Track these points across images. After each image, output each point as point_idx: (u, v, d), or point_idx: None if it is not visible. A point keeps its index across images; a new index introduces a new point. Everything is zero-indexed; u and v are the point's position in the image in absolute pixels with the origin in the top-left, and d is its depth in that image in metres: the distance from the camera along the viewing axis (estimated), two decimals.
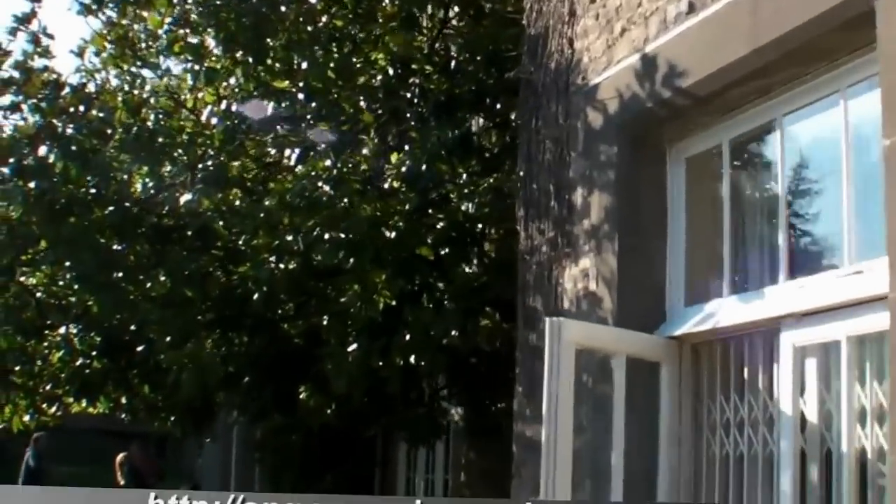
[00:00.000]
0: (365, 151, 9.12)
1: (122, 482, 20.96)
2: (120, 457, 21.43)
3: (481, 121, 10.11)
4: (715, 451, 6.22)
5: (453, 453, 15.75)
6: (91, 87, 9.78)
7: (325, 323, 10.90)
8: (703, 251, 6.64)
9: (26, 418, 14.88)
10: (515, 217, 7.76)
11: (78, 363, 12.37)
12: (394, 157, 8.74)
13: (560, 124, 7.24)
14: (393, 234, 8.82)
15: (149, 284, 9.37)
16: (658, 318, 6.58)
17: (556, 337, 5.82)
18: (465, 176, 9.43)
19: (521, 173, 7.58)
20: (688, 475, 6.39)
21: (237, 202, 9.41)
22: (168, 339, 8.93)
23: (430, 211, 9.20)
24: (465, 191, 9.03)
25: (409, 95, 9.94)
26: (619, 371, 6.19)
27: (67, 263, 8.84)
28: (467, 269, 9.11)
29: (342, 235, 8.26)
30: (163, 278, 9.26)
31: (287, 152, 9.77)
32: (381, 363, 9.76)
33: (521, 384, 7.39)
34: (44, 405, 15.02)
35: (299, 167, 8.84)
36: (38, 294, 11.24)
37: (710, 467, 6.25)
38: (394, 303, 8.92)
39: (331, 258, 8.22)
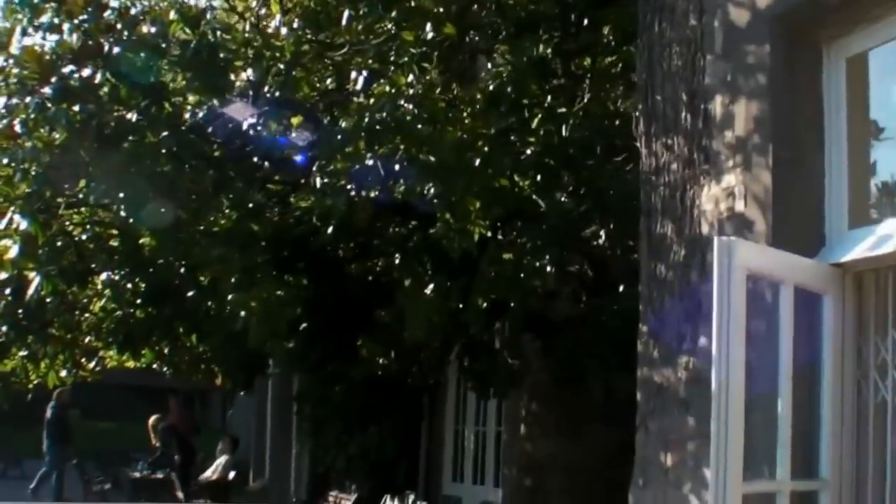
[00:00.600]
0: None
1: (157, 444, 20.10)
2: (153, 419, 20.58)
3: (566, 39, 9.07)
4: (869, 397, 5.27)
5: (511, 404, 14.86)
6: (136, 9, 8.78)
7: (397, 261, 10.01)
8: (868, 165, 5.66)
9: (63, 373, 14.05)
10: (634, 133, 6.78)
11: (121, 312, 11.49)
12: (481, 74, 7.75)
13: (691, 24, 6.23)
14: (478, 162, 7.83)
15: (210, 218, 8.40)
16: (817, 242, 5.61)
17: (725, 260, 4.85)
18: (552, 98, 8.44)
19: (642, 83, 6.57)
20: (850, 425, 5.47)
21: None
22: (233, 280, 7.99)
23: (517, 135, 8.22)
24: (558, 112, 8.05)
25: (484, 14, 8.91)
26: (786, 303, 5.21)
27: (120, 195, 7.86)
28: (562, 199, 8.13)
29: (431, 158, 7.30)
30: (226, 211, 8.31)
31: (353, 75, 8.75)
32: (460, 305, 8.86)
33: (646, 322, 6.44)
34: (82, 359, 14.20)
35: (375, 86, 7.83)
36: (80, 237, 10.29)
37: (864, 414, 5.33)
38: (489, 234, 7.98)
39: (419, 184, 7.27)
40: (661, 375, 6.20)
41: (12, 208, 7.85)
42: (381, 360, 12.89)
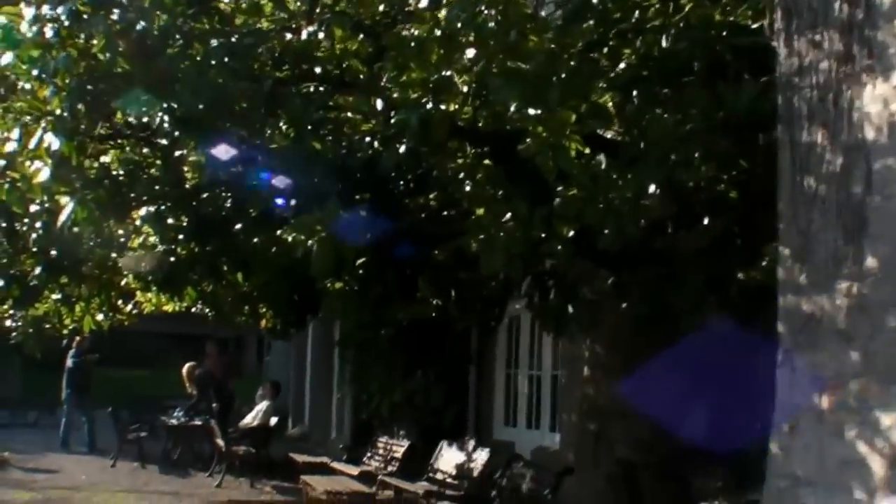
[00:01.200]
0: None
1: (193, 391, 19.29)
2: (188, 366, 19.73)
3: None
4: None
5: (570, 346, 13.97)
6: None
7: (468, 188, 9.07)
8: None
9: (100, 317, 13.21)
10: (767, 33, 5.80)
11: (163, 248, 10.63)
12: None
13: None
14: (564, 76, 6.82)
15: (267, 133, 7.43)
16: None
17: None
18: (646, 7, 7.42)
19: None
20: None
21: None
22: (294, 202, 7.07)
23: (610, 46, 7.22)
24: (655, 23, 7.05)
25: None
26: None
27: (163, 112, 6.90)
28: (665, 115, 7.12)
29: (521, 65, 6.32)
30: (283, 128, 7.36)
31: None
32: (542, 235, 7.89)
33: (789, 244, 5.50)
34: (119, 302, 13.37)
35: None
36: (118, 170, 9.38)
37: None
38: (587, 150, 7.01)
39: (508, 95, 6.29)
40: (811, 304, 5.28)
41: (42, 125, 6.89)
42: (435, 302, 12.07)
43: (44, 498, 14.06)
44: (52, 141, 6.84)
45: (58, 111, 7.02)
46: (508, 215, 7.93)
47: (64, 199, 7.30)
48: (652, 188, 7.45)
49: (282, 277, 10.05)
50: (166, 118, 6.94)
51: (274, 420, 17.40)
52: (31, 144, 6.89)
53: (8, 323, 12.75)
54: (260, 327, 14.74)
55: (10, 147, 6.96)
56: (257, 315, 13.32)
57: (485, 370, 17.10)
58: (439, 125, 6.66)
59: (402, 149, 7.02)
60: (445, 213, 10.60)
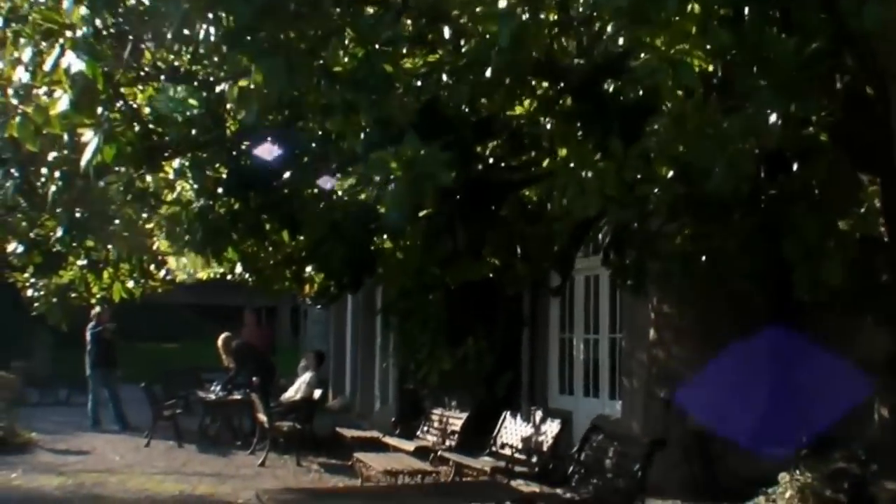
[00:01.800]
0: None
1: (230, 364, 18.00)
2: (223, 337, 18.36)
3: None
4: None
5: (633, 307, 12.74)
6: None
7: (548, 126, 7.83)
8: None
9: (130, 284, 11.92)
10: None
11: (201, 202, 9.36)
12: None
13: None
14: None
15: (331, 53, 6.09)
16: None
17: None
18: None
19: None
20: None
21: None
22: (364, 133, 5.77)
23: None
24: None
25: None
26: None
27: (206, 25, 5.60)
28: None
29: None
30: (351, 46, 6.03)
31: None
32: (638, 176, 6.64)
33: None
34: (151, 267, 12.09)
35: None
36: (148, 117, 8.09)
37: None
38: (710, 68, 5.71)
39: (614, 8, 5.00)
40: None
41: (61, 42, 5.56)
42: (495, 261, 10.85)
43: (75, 483, 12.88)
44: (73, 62, 5.54)
45: (80, 30, 5.71)
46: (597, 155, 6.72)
47: (87, 135, 5.96)
48: (773, 118, 6.18)
49: (336, 234, 8.76)
50: (211, 31, 5.64)
51: (318, 392, 16.19)
52: (47, 66, 5.58)
53: (30, 293, 11.47)
54: (303, 293, 13.44)
55: (22, 72, 5.61)
56: (301, 279, 12.01)
57: (538, 335, 15.93)
58: (534, 40, 5.37)
59: (488, 72, 5.73)
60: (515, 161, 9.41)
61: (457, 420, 13.33)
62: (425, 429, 14.19)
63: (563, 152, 7.38)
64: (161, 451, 15.78)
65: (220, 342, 18.20)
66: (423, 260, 9.36)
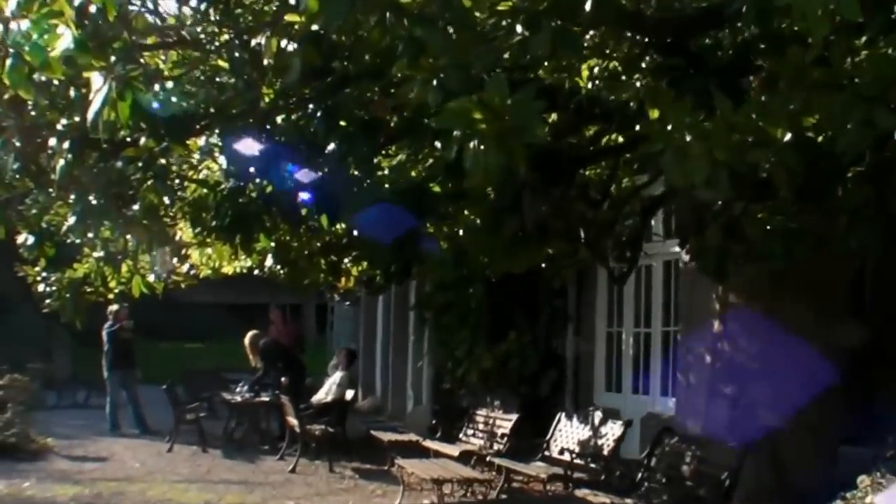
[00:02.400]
0: None
1: (257, 364, 16.79)
2: (251, 335, 17.10)
3: None
4: None
5: (692, 297, 11.62)
6: None
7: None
8: None
9: (151, 278, 10.82)
10: None
11: (229, 185, 8.28)
12: None
13: None
14: None
15: None
16: None
17: None
18: None
19: None
20: None
21: None
22: (435, 81, 4.64)
23: None
24: None
25: None
26: None
27: None
28: None
29: None
30: None
31: None
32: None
33: None
34: (174, 260, 10.98)
35: None
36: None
37: None
38: None
39: None
40: None
41: None
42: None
43: (91, 493, 11.78)
44: None
45: None
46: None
47: (96, 81, 4.79)
48: None
49: (386, 215, 7.65)
50: None
51: (350, 393, 15.07)
52: None
53: (41, 288, 10.34)
54: (339, 287, 12.31)
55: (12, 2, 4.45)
56: (338, 271, 10.94)
57: (583, 330, 14.75)
58: None
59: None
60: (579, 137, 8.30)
61: (505, 422, 12.20)
62: (469, 431, 13.06)
63: (654, 114, 6.23)
64: (184, 457, 14.69)
65: (246, 340, 17.03)
66: (483, 245, 8.20)
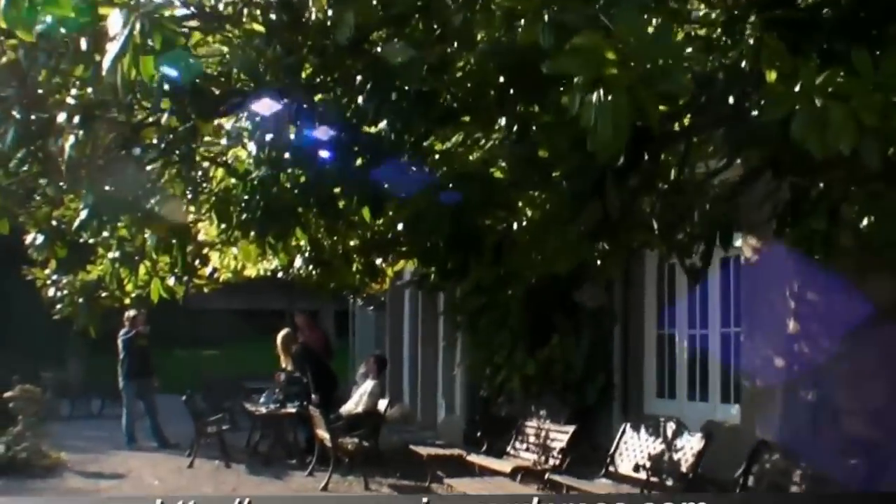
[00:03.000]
0: None
1: (289, 367, 15.53)
2: (284, 335, 15.81)
3: None
4: None
5: (754, 296, 10.54)
6: None
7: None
8: None
9: (171, 281, 9.67)
10: None
11: (260, 173, 7.15)
12: None
13: None
14: None
15: None
16: None
17: None
18: None
19: None
20: None
21: None
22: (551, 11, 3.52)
23: None
24: None
25: None
26: None
27: None
28: None
29: None
30: None
31: None
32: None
33: None
34: (196, 262, 9.84)
35: None
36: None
37: None
38: None
39: None
40: None
41: None
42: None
43: None
44: None
45: None
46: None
47: (114, 22, 3.66)
48: None
49: (440, 205, 6.52)
50: None
51: (383, 403, 13.92)
52: None
53: (51, 292, 9.20)
54: (374, 285, 11.13)
55: None
56: (375, 271, 9.82)
57: (631, 332, 13.51)
58: None
59: None
60: None
61: (560, 434, 11.03)
62: (517, 444, 11.89)
63: (771, 75, 5.10)
64: (206, 473, 13.55)
65: (278, 340, 15.70)
66: (551, 238, 7.04)
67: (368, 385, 13.98)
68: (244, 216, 7.43)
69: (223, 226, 8.36)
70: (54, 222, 8.55)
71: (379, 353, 17.27)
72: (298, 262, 10.17)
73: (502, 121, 6.49)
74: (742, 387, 11.11)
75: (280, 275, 14.01)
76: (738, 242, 9.72)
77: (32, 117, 5.48)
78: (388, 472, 12.94)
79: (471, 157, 7.16)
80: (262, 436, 15.02)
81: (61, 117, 5.49)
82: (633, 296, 13.45)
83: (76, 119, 5.28)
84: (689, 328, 12.48)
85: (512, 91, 5.74)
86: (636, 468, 9.41)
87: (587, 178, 6.28)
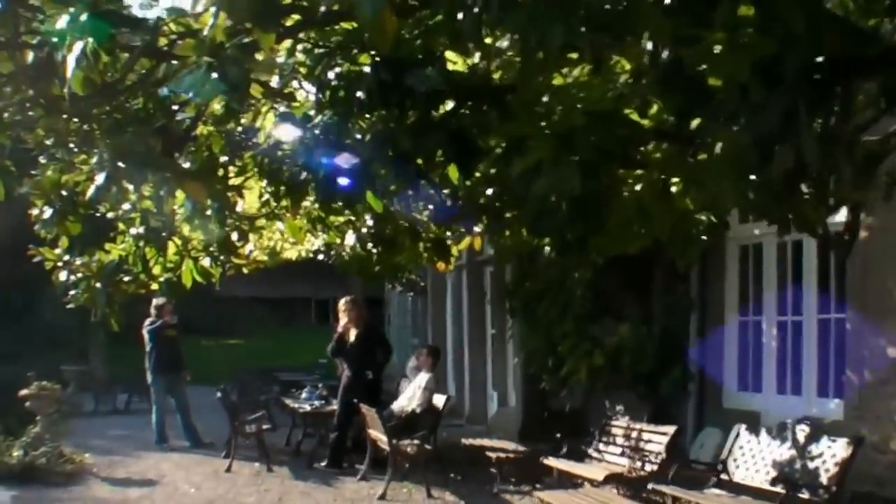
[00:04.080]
0: None
1: (350, 337, 12.79)
2: (350, 298, 13.18)
3: None
4: None
5: (863, 277, 8.83)
6: None
7: None
8: None
9: (206, 262, 7.87)
10: None
11: (324, 118, 5.36)
12: None
13: None
14: None
15: None
16: None
17: None
18: None
19: None
20: None
21: None
22: None
23: None
24: None
25: None
26: None
27: None
28: None
29: None
30: None
31: None
32: None
33: None
34: (237, 238, 8.02)
35: None
36: None
37: None
38: None
39: None
40: None
41: None
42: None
43: None
44: None
45: None
46: None
47: None
48: None
49: (568, 153, 4.70)
50: None
51: (441, 399, 12.12)
52: None
53: (62, 276, 7.33)
54: (440, 266, 9.23)
55: None
56: (443, 249, 8.04)
57: (709, 318, 11.61)
58: None
59: None
60: None
61: (657, 435, 9.24)
62: (601, 446, 10.10)
63: None
64: (246, 478, 11.79)
65: (340, 305, 12.97)
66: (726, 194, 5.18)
67: (424, 378, 12.20)
68: (303, 176, 5.66)
69: (268, 193, 6.62)
70: (64, 192, 6.79)
71: (432, 344, 15.43)
72: (350, 239, 8.39)
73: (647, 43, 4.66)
74: (847, 380, 9.36)
75: (321, 257, 12.32)
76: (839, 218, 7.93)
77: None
78: (448, 476, 11.19)
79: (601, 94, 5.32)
80: (304, 434, 13.27)
81: (62, 22, 3.70)
82: (713, 278, 11.63)
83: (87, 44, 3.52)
84: (778, 315, 10.68)
85: None
86: (773, 481, 7.58)
87: (775, 113, 4.44)
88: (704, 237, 6.02)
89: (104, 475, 11.95)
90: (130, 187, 6.51)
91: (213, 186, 6.00)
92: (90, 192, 6.47)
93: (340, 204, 5.61)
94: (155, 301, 13.38)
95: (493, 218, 6.54)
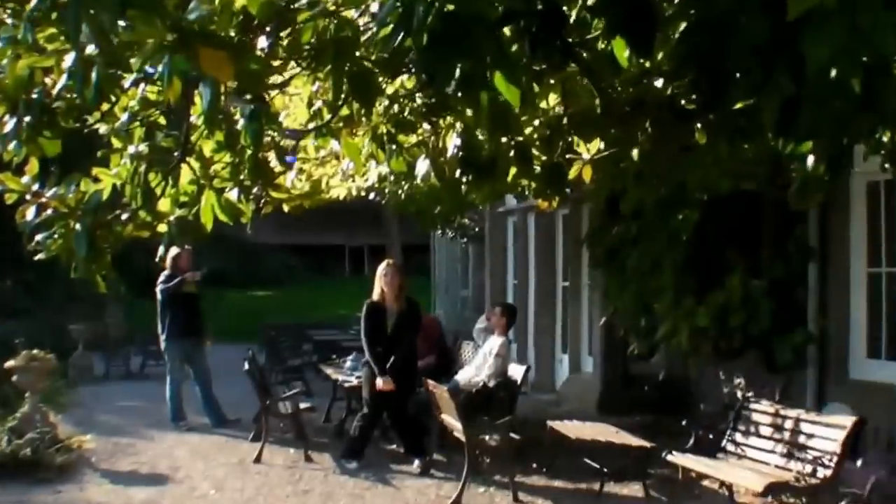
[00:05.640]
0: None
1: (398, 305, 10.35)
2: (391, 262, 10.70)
3: None
4: None
5: None
6: None
7: None
8: None
9: (233, 195, 5.54)
10: None
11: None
12: None
13: None
14: None
15: None
16: None
17: None
18: None
19: None
20: None
21: None
22: None
23: None
24: None
25: None
26: None
27: None
28: None
29: None
30: None
31: None
32: None
33: None
34: (273, 168, 5.67)
35: None
36: None
37: None
38: None
39: None
40: None
41: None
42: None
43: None
44: None
45: None
46: None
47: None
48: None
49: None
50: None
51: (519, 370, 9.87)
52: None
53: (28, 216, 4.93)
54: (543, 203, 6.93)
55: None
56: (559, 175, 5.79)
57: (832, 271, 9.63)
58: None
59: None
60: None
61: (826, 428, 6.93)
62: (739, 437, 7.81)
63: None
64: (279, 472, 9.44)
65: (381, 269, 9.91)
66: None
67: (495, 344, 9.92)
68: (387, 43, 3.33)
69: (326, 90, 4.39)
70: (35, 94, 4.55)
71: (507, 302, 13.15)
72: (423, 166, 6.10)
73: None
74: None
75: (372, 196, 10.12)
76: None
77: None
78: (527, 466, 8.99)
79: None
80: (349, 411, 11.06)
81: None
82: (835, 224, 9.58)
83: None
84: None
85: None
86: None
87: None
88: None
89: (105, 467, 9.68)
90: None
91: (246, 63, 3.72)
92: (60, 82, 4.26)
93: (451, 92, 3.30)
94: (171, 251, 10.78)
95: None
